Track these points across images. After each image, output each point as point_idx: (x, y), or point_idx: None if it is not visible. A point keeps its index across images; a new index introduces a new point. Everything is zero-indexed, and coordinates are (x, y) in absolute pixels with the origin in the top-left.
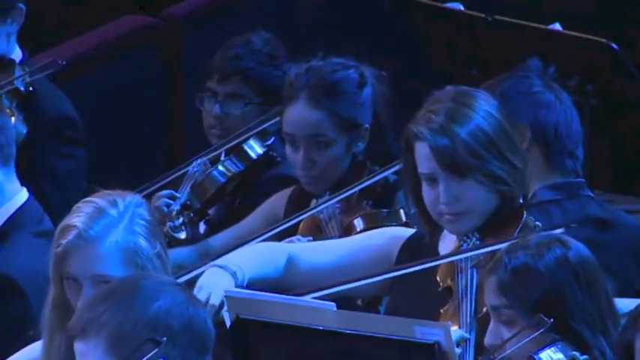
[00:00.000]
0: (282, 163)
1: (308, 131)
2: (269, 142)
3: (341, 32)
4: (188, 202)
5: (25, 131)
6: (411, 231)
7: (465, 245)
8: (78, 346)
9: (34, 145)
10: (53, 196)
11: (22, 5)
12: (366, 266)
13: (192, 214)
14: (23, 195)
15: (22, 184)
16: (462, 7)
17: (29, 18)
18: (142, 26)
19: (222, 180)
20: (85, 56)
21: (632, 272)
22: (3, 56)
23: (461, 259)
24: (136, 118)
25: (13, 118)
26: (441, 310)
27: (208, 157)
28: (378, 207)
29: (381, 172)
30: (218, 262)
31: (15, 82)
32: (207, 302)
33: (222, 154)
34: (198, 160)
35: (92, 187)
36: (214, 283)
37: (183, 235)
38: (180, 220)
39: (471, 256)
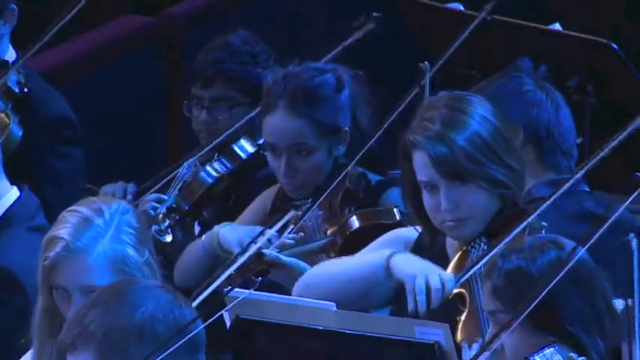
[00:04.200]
0: None
1: (289, 140)
2: (260, 141)
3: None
4: (174, 205)
5: (20, 134)
6: (415, 233)
7: (474, 251)
8: None
9: (31, 146)
10: (52, 196)
11: (14, 6)
12: None
13: (178, 217)
14: (13, 194)
15: (20, 185)
16: (462, 7)
17: (29, 18)
18: (142, 26)
19: (211, 181)
20: (84, 56)
21: None
22: None
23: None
24: (135, 118)
25: (8, 121)
26: (457, 318)
27: (196, 157)
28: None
29: (346, 166)
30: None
31: (9, 83)
32: (430, 288)
33: (216, 155)
34: (189, 161)
35: (91, 188)
36: (421, 267)
37: (168, 239)
38: (167, 223)
39: (484, 263)
